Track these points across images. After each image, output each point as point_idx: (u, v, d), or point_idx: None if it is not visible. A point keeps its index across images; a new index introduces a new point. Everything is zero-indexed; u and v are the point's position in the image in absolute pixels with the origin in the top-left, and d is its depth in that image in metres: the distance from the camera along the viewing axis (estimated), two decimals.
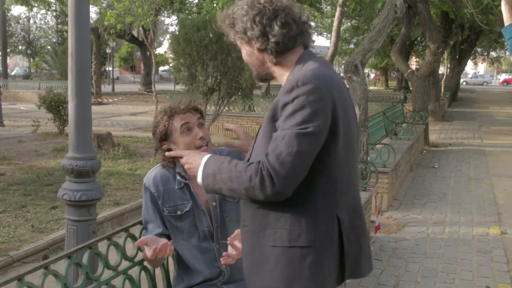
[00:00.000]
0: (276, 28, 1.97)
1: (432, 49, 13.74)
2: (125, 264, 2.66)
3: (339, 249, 1.98)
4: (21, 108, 23.73)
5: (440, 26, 18.86)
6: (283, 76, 2.05)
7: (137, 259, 2.71)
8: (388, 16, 6.62)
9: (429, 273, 5.37)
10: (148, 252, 2.36)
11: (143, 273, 2.75)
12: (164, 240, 2.34)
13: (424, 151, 13.18)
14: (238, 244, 2.24)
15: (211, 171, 1.97)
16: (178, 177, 2.60)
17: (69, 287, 2.26)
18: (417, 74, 14.37)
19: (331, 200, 1.96)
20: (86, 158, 3.72)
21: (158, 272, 2.85)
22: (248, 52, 2.07)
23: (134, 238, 2.70)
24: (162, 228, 2.62)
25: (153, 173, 2.67)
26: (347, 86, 7.35)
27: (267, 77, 2.12)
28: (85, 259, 2.42)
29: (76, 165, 3.69)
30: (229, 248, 2.27)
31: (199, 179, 2.01)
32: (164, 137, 2.58)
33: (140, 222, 2.91)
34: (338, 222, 1.97)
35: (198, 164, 2.03)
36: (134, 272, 2.68)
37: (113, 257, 2.55)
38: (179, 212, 2.59)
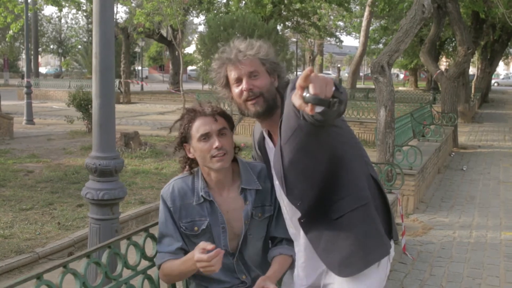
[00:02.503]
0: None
1: (462, 50, 13.54)
2: (144, 263, 2.67)
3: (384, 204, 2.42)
4: (53, 106, 24.06)
5: (471, 26, 18.61)
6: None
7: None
8: (415, 16, 6.53)
9: (454, 277, 5.29)
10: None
11: None
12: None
13: (453, 153, 13.00)
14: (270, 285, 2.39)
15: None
16: (201, 193, 2.51)
17: (88, 286, 2.28)
18: (446, 75, 14.17)
19: (362, 164, 2.38)
20: (109, 158, 3.74)
21: None
22: (271, 82, 2.42)
23: (153, 238, 2.70)
24: (182, 242, 2.53)
25: (170, 186, 2.57)
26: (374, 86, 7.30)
27: (272, 109, 2.41)
28: (104, 258, 2.44)
29: (100, 164, 3.72)
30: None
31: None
32: (184, 140, 2.52)
33: None
34: (373, 179, 2.40)
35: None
36: (153, 272, 2.69)
37: (133, 256, 2.56)
38: (196, 229, 2.51)
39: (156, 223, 2.80)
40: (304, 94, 1.76)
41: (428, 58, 14.44)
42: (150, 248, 2.66)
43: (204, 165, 2.48)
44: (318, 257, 2.36)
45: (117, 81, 30.40)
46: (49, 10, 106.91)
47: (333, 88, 1.79)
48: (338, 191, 2.29)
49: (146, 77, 57.63)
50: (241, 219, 2.52)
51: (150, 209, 7.18)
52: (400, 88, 44.74)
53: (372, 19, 28.28)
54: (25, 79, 18.15)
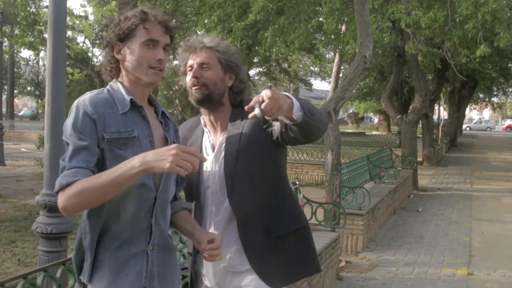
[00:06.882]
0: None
1: (420, 96, 14.21)
2: None
3: None
4: (22, 149, 24.14)
5: (434, 73, 19.36)
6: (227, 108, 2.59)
7: None
8: (358, 66, 7.04)
9: None
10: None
11: None
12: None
13: (412, 195, 13.47)
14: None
15: (310, 107, 2.28)
16: (129, 98, 2.18)
17: None
18: (406, 120, 14.79)
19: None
20: None
21: None
22: (222, 78, 2.53)
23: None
24: (97, 155, 2.07)
25: (87, 96, 2.19)
26: None
27: (214, 101, 2.53)
28: (39, 280, 2.78)
29: (49, 201, 4.08)
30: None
31: (298, 111, 2.19)
32: (124, 37, 2.22)
33: None
34: None
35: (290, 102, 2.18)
36: None
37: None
38: (126, 135, 2.12)
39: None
40: (256, 106, 2.05)
41: (388, 103, 15.09)
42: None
43: (135, 73, 2.21)
44: (249, 263, 2.46)
45: None
46: (27, 52, 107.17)
47: (297, 111, 2.16)
48: (282, 208, 2.53)
49: None
50: (163, 141, 2.27)
51: None
52: (374, 133, 45.63)
53: (343, 65, 29.15)
54: None
